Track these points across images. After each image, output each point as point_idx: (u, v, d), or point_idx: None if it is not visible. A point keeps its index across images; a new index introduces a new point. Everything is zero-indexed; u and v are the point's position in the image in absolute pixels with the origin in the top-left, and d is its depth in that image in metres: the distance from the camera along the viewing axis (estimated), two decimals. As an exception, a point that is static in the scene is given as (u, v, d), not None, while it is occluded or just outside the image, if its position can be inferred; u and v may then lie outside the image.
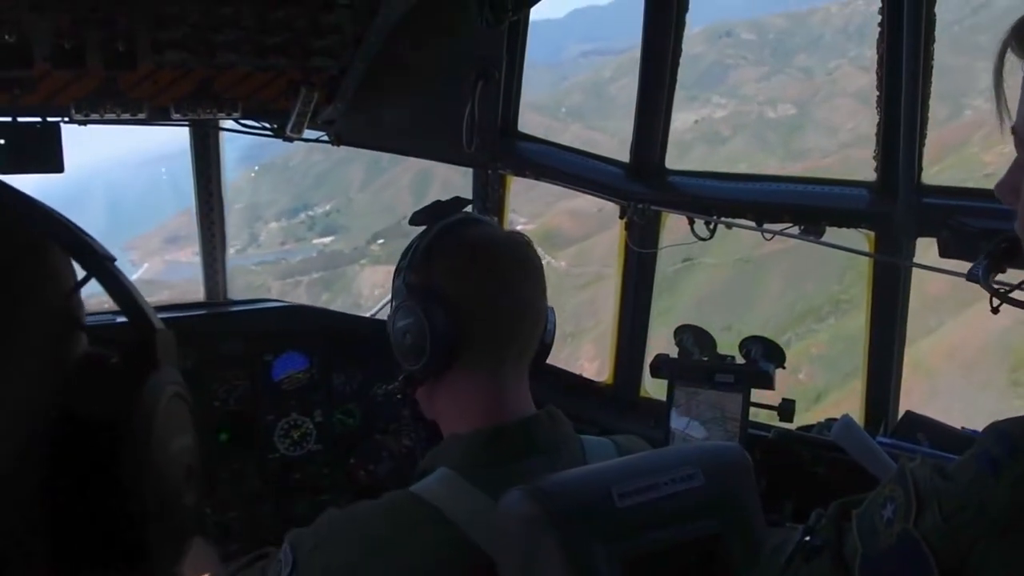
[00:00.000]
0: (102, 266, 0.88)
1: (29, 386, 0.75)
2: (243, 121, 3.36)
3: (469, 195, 3.71)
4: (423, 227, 1.78)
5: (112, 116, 2.85)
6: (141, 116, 2.90)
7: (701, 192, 3.23)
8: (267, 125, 3.44)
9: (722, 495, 1.78)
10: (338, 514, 1.64)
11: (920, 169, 2.68)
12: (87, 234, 0.89)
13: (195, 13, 2.50)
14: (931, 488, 1.04)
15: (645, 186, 3.31)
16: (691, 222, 3.21)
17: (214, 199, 3.82)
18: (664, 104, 3.24)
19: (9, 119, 2.84)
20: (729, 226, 3.15)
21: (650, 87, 3.23)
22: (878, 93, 2.71)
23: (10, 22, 2.32)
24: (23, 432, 0.74)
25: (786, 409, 3.10)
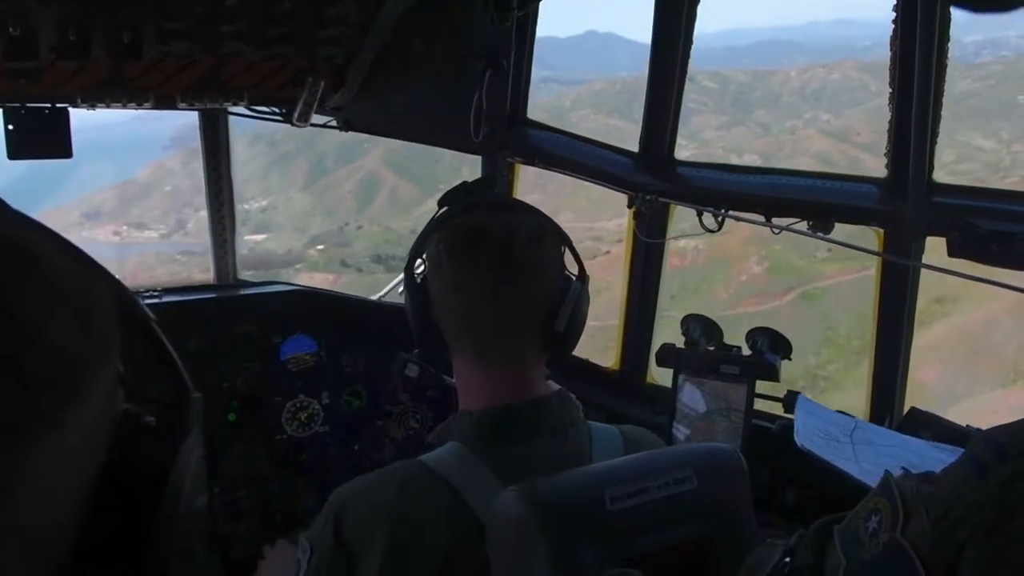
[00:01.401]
0: (147, 327, 0.92)
1: (93, 428, 0.78)
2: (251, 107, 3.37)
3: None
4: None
5: (118, 105, 2.86)
6: (147, 105, 2.91)
7: (710, 184, 3.19)
8: (276, 110, 3.44)
9: (715, 499, 1.79)
10: (353, 481, 1.75)
11: (931, 167, 2.63)
12: (129, 291, 0.91)
13: (200, 4, 2.49)
14: (917, 495, 1.03)
15: (653, 177, 3.28)
16: (699, 214, 3.19)
17: (223, 181, 3.85)
18: (674, 94, 3.21)
19: (17, 105, 2.86)
20: (737, 219, 3.12)
21: (660, 76, 3.18)
22: (891, 89, 2.66)
23: (16, 14, 2.33)
24: (78, 485, 0.77)
25: (791, 401, 3.09)
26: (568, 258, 1.87)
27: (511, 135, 3.46)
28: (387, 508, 1.65)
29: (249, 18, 2.60)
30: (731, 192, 3.13)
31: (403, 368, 3.52)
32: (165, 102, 3.02)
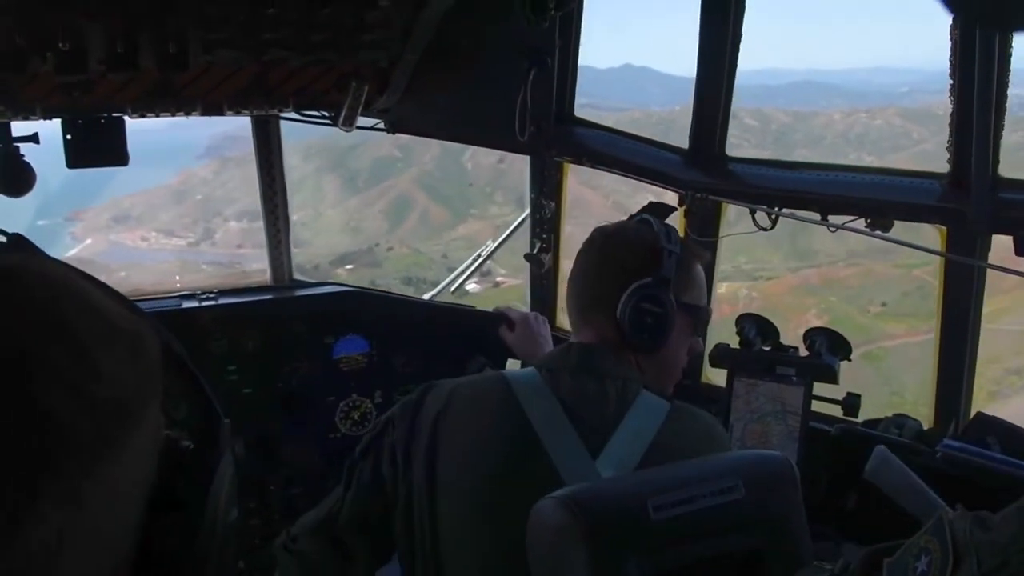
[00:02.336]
0: (182, 363, 1.03)
1: (145, 455, 0.84)
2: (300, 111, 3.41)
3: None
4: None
5: (167, 114, 2.92)
6: (196, 113, 2.96)
7: (762, 181, 3.10)
8: (324, 114, 3.47)
9: (764, 509, 1.73)
10: (450, 380, 2.09)
11: (996, 162, 2.50)
12: (165, 330, 1.01)
13: (241, 13, 2.52)
14: (970, 541, 0.97)
15: (704, 174, 3.21)
16: (752, 212, 3.10)
17: (277, 184, 3.90)
18: (724, 88, 3.12)
19: (74, 116, 2.94)
20: (792, 217, 3.03)
21: (709, 70, 3.10)
22: (951, 81, 2.53)
23: (64, 30, 2.38)
24: (136, 501, 0.84)
25: (851, 404, 3.00)
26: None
27: (558, 133, 3.42)
28: (459, 386, 2.03)
29: (291, 25, 2.62)
30: (785, 189, 3.03)
31: (480, 369, 3.59)
32: (213, 109, 3.07)
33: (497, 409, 1.95)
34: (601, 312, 2.09)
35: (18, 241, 1.13)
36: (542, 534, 1.63)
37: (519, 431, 1.90)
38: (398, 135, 3.74)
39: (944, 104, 2.62)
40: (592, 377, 2.00)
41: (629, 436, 1.90)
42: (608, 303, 2.07)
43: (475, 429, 1.95)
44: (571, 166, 3.62)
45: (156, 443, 0.88)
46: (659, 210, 2.28)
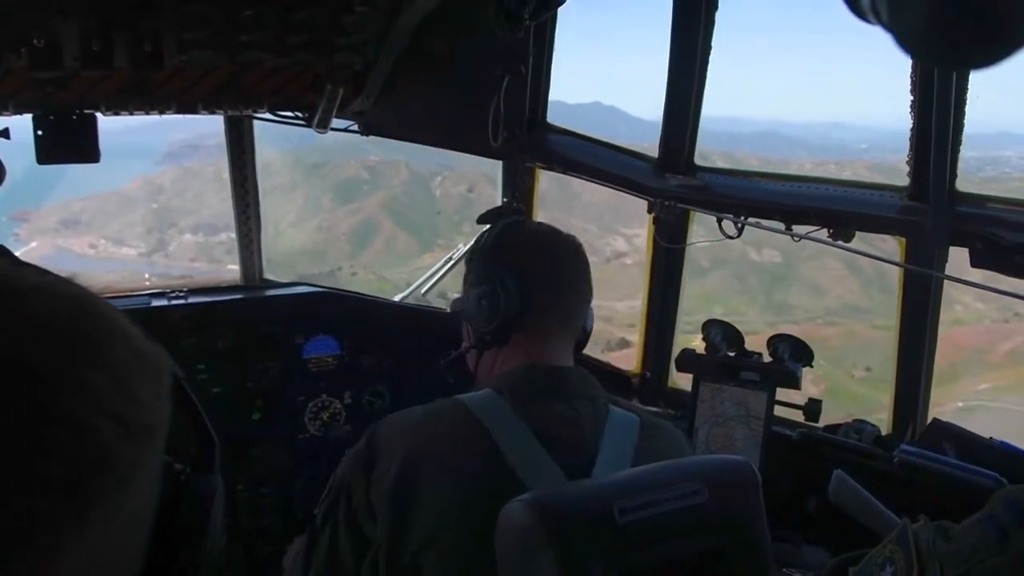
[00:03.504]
0: (177, 384, 0.98)
1: (154, 483, 0.85)
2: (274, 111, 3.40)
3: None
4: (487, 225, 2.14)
5: (141, 112, 2.90)
6: (170, 112, 2.95)
7: (729, 191, 3.16)
8: (299, 115, 3.47)
9: (727, 512, 1.77)
10: (395, 414, 1.96)
11: (954, 176, 2.58)
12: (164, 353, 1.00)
13: (218, 15, 2.52)
14: (933, 551, 1.01)
15: (673, 182, 3.26)
16: (719, 221, 3.16)
17: (249, 183, 3.89)
18: (694, 97, 3.18)
19: (45, 111, 2.91)
20: (757, 227, 3.09)
21: (679, 79, 3.15)
22: (912, 97, 2.61)
23: (39, 26, 2.37)
24: (147, 521, 0.85)
25: (812, 409, 3.06)
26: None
27: (530, 139, 3.46)
28: (413, 424, 1.88)
29: (267, 27, 2.63)
30: (751, 199, 3.10)
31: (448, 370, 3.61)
32: (187, 108, 3.06)
33: (465, 447, 1.82)
34: (573, 325, 2.07)
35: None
36: (509, 536, 1.65)
37: (493, 468, 1.77)
38: (372, 139, 3.74)
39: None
40: (562, 399, 1.91)
41: (612, 458, 1.86)
42: (579, 316, 2.08)
43: (446, 473, 1.80)
44: (543, 172, 3.66)
45: (160, 465, 0.89)
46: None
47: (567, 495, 1.72)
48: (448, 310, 2.52)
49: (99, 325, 0.79)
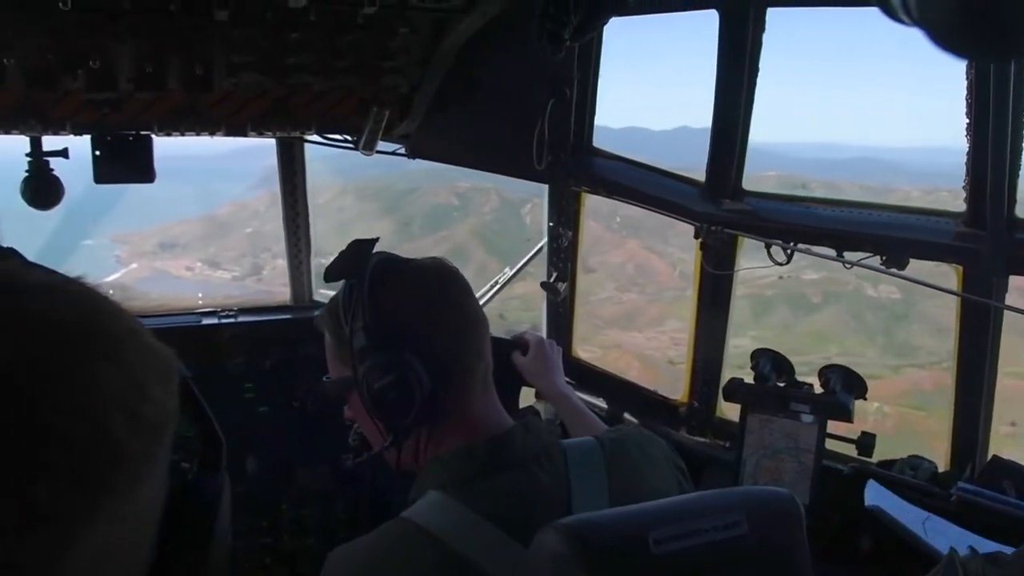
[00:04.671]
0: (184, 384, 0.98)
1: (163, 480, 0.86)
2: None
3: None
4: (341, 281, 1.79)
5: (192, 133, 2.97)
6: (220, 133, 3.01)
7: (778, 216, 3.09)
8: (348, 138, 3.51)
9: (768, 546, 1.70)
10: (341, 549, 1.68)
11: (1013, 202, 2.48)
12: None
13: (266, 39, 2.57)
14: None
15: (720, 207, 3.21)
16: (768, 247, 3.09)
17: (299, 206, 3.95)
18: (741, 120, 3.12)
19: (103, 132, 3.00)
20: (807, 252, 3.02)
21: (727, 102, 3.10)
22: (967, 120, 2.52)
23: (95, 49, 2.45)
24: (154, 528, 0.85)
25: (865, 443, 2.96)
26: None
27: (576, 163, 3.44)
28: (363, 565, 1.63)
29: (314, 51, 2.67)
30: (801, 224, 3.02)
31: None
32: (236, 130, 3.13)
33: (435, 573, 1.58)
34: (488, 360, 1.79)
35: (9, 254, 1.08)
36: (542, 564, 1.61)
37: None
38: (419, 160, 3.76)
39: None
40: (512, 468, 1.69)
41: (587, 502, 1.70)
42: (488, 345, 1.80)
43: None
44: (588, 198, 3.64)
45: (168, 462, 0.89)
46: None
47: (602, 523, 1.67)
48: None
49: (111, 322, 0.80)
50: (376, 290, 1.71)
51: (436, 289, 1.74)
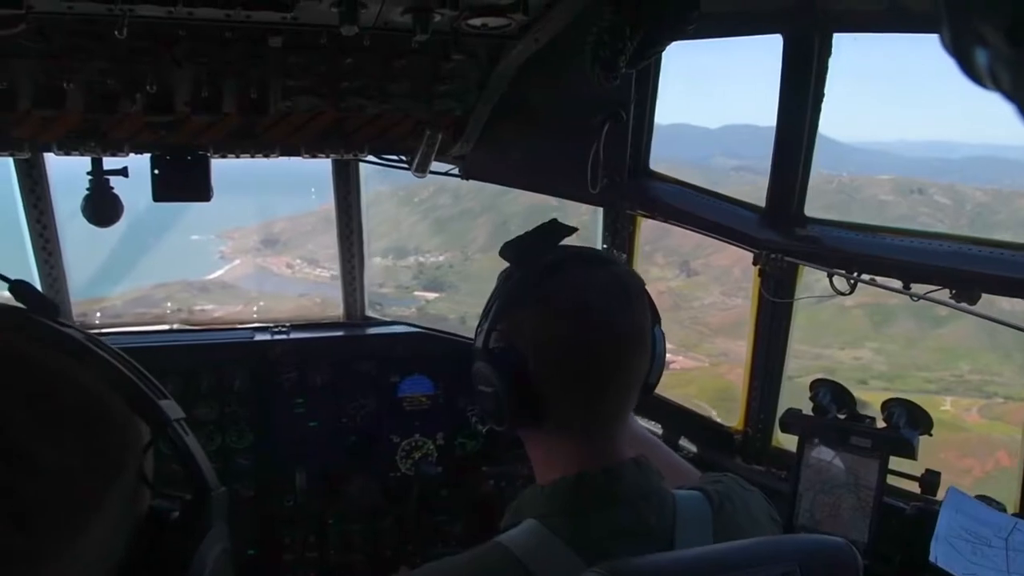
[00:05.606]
0: (166, 429, 0.96)
1: (106, 539, 0.81)
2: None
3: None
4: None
5: (247, 156, 3.00)
6: (274, 155, 3.04)
7: (841, 244, 2.98)
8: (402, 158, 3.52)
9: (823, 598, 1.63)
10: (433, 566, 1.63)
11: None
12: (154, 393, 0.96)
13: (320, 64, 2.58)
14: None
15: (780, 234, 3.11)
16: (830, 276, 2.98)
17: (354, 223, 3.99)
18: (805, 144, 3.02)
19: (160, 152, 3.06)
20: (871, 284, 2.90)
21: (789, 127, 3.00)
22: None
23: (153, 73, 2.49)
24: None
25: (930, 481, 2.84)
26: None
27: (632, 186, 3.37)
28: None
29: (368, 75, 2.67)
30: (865, 254, 2.90)
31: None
32: (291, 152, 3.15)
33: None
34: (633, 390, 1.68)
35: (21, 288, 1.03)
36: None
37: None
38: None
39: None
40: (621, 504, 1.60)
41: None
42: (642, 371, 1.67)
43: None
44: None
45: (127, 522, 0.85)
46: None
47: (645, 568, 1.61)
48: None
49: (13, 393, 0.76)
50: (516, 290, 1.65)
51: (571, 315, 1.60)
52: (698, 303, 17.91)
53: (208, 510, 0.99)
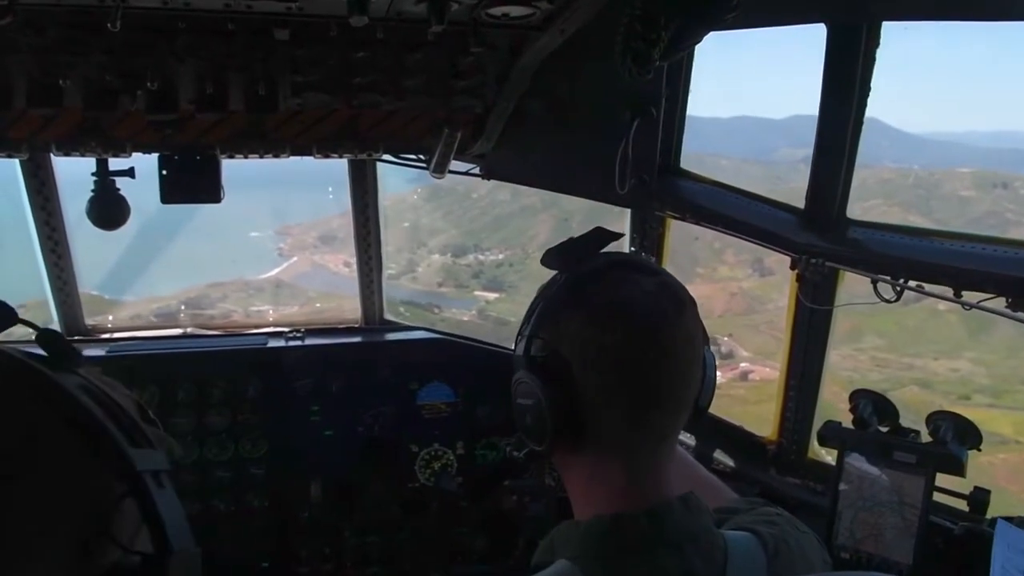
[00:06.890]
0: (135, 482, 0.92)
1: None
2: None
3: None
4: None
5: (255, 156, 2.89)
6: (284, 155, 2.92)
7: (887, 249, 2.79)
8: (420, 157, 3.39)
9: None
10: None
11: None
12: (130, 444, 0.93)
13: (331, 57, 2.45)
14: None
15: (821, 238, 2.93)
16: (874, 283, 2.80)
17: (371, 224, 3.87)
18: (848, 142, 2.84)
19: (169, 153, 2.95)
20: (919, 291, 2.71)
21: (833, 123, 2.82)
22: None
23: (153, 69, 2.37)
24: None
25: (979, 499, 2.69)
26: None
27: (661, 186, 3.21)
28: None
29: (381, 69, 2.53)
30: (913, 259, 2.72)
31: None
32: (302, 152, 3.04)
33: None
34: (682, 414, 1.54)
35: (49, 337, 1.00)
36: None
37: None
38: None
39: None
40: (665, 548, 1.45)
41: None
42: (692, 392, 1.54)
43: None
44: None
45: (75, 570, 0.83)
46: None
47: None
48: None
49: None
50: (559, 301, 1.52)
51: (619, 332, 1.45)
52: (773, 305, 17.09)
53: (169, 570, 0.91)
